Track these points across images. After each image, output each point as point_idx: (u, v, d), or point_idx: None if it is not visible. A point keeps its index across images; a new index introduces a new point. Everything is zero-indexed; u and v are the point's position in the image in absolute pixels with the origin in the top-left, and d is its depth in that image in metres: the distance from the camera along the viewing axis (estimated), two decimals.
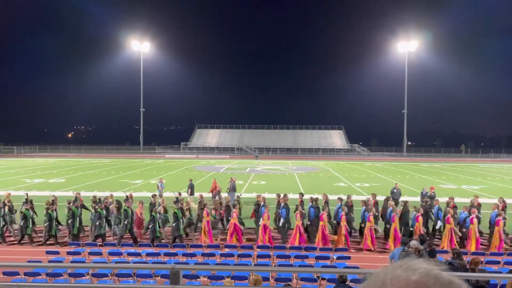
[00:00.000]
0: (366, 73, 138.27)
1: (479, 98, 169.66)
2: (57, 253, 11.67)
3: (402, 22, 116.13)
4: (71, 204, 14.83)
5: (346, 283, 7.65)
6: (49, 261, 10.94)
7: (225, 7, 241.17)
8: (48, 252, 11.60)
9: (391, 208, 14.38)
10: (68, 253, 11.58)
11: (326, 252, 12.14)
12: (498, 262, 11.01)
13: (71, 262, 11.03)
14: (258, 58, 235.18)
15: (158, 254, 11.52)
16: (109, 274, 9.61)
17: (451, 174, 41.83)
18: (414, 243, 9.65)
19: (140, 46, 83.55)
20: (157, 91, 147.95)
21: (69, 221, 14.35)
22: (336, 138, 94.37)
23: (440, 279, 0.82)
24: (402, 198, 18.91)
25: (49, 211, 14.25)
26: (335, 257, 11.56)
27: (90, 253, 11.64)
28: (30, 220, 14.35)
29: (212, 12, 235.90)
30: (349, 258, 11.47)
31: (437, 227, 14.49)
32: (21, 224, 14.13)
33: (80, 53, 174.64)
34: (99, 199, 15.51)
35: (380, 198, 16.75)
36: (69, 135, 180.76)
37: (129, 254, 11.58)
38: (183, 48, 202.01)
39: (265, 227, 13.71)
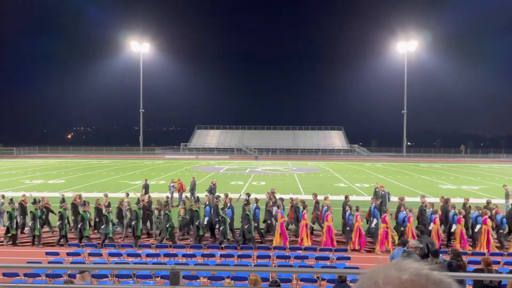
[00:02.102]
0: (366, 73, 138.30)
1: (479, 98, 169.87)
2: (57, 254, 11.67)
3: (401, 23, 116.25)
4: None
5: (346, 283, 7.65)
6: (49, 262, 10.94)
7: (225, 8, 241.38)
8: (48, 253, 11.60)
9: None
10: (68, 254, 11.58)
11: (326, 252, 12.15)
12: (498, 262, 11.01)
13: (71, 263, 11.03)
14: (258, 59, 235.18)
15: (158, 255, 11.52)
16: (109, 275, 9.61)
17: (450, 174, 41.84)
18: (413, 242, 9.66)
19: (139, 47, 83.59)
20: (156, 92, 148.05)
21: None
22: (335, 138, 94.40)
23: (431, 278, 0.83)
24: (394, 198, 19.00)
25: (81, 211, 14.45)
26: (335, 258, 11.56)
27: (90, 254, 11.64)
28: (66, 220, 14.49)
29: (211, 13, 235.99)
30: (349, 258, 11.47)
31: (373, 224, 14.52)
32: (58, 224, 14.28)
33: (79, 54, 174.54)
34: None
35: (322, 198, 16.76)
36: (69, 136, 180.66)
37: (129, 255, 11.58)
38: (183, 48, 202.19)
39: (329, 228, 13.68)
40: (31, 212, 14.37)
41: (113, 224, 14.56)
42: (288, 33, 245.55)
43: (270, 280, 9.14)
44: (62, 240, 14.17)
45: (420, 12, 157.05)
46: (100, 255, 11.67)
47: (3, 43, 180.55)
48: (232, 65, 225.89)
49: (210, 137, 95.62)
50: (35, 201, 15.08)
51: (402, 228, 13.98)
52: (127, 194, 17.17)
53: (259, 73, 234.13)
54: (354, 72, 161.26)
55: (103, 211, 14.53)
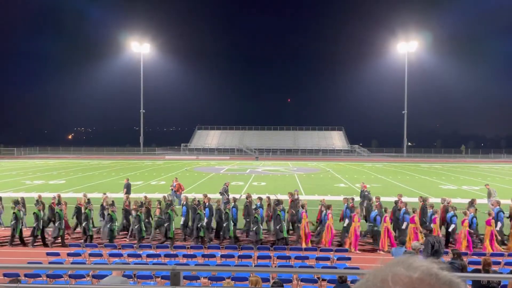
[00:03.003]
0: (366, 73, 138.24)
1: (479, 98, 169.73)
2: (57, 254, 11.68)
3: (402, 23, 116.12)
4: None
5: (346, 283, 7.65)
6: (50, 263, 10.95)
7: (226, 9, 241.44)
8: (48, 254, 11.61)
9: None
10: (69, 254, 11.59)
11: (326, 253, 12.14)
12: (499, 263, 11.01)
13: (72, 263, 11.04)
14: (258, 59, 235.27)
15: (158, 255, 11.53)
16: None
17: (451, 174, 41.83)
18: (416, 244, 9.64)
19: (140, 48, 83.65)
20: (157, 92, 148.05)
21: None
22: (336, 139, 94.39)
23: (441, 278, 0.83)
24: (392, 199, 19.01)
25: (110, 211, 14.48)
26: (335, 258, 11.56)
27: (91, 255, 11.65)
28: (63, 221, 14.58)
29: (212, 14, 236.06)
30: (349, 259, 11.47)
31: (345, 224, 14.50)
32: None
33: (80, 54, 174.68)
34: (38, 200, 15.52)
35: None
36: (70, 137, 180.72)
37: (130, 255, 11.59)
38: (183, 49, 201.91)
39: (355, 229, 13.68)
40: (56, 212, 14.43)
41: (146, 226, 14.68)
42: (288, 33, 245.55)
43: (271, 281, 9.14)
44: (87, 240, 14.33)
45: (420, 12, 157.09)
46: (100, 255, 11.68)
47: (4, 44, 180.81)
48: (232, 65, 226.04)
49: (210, 137, 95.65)
50: (59, 202, 15.13)
51: (375, 228, 14.06)
52: (104, 194, 17.15)
53: (260, 73, 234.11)
54: (354, 72, 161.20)
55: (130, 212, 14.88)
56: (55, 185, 29.82)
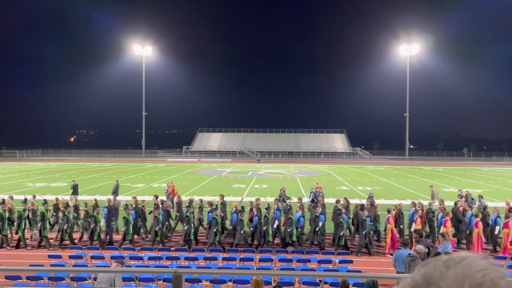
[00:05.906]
0: (368, 76, 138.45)
1: (481, 101, 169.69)
2: (59, 257, 11.68)
3: (403, 26, 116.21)
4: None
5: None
6: (51, 265, 10.95)
7: (227, 11, 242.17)
8: (50, 256, 11.62)
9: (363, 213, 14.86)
10: (70, 257, 11.59)
11: (328, 256, 12.11)
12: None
13: (73, 266, 11.04)
14: (260, 62, 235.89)
15: (160, 258, 11.52)
16: None
17: (453, 177, 41.70)
18: (420, 247, 9.56)
19: (142, 50, 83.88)
20: (159, 95, 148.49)
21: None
22: (338, 141, 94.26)
23: None
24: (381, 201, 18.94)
25: (125, 215, 14.48)
26: (337, 261, 11.53)
27: (92, 257, 11.65)
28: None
29: (214, 16, 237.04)
30: (351, 262, 11.44)
31: (275, 225, 14.51)
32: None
33: (82, 57, 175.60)
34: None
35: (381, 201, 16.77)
36: (72, 139, 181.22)
37: (131, 258, 11.58)
38: (185, 52, 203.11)
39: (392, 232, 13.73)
40: (64, 215, 14.45)
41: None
42: (290, 36, 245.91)
43: (273, 284, 9.12)
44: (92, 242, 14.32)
45: (422, 15, 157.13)
46: (102, 258, 11.68)
47: (7, 47, 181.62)
48: (234, 68, 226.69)
49: (212, 140, 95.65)
50: (68, 205, 15.20)
51: (299, 229, 14.30)
52: (34, 196, 17.01)
53: (262, 76, 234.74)
54: (356, 75, 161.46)
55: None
56: (57, 188, 29.86)
